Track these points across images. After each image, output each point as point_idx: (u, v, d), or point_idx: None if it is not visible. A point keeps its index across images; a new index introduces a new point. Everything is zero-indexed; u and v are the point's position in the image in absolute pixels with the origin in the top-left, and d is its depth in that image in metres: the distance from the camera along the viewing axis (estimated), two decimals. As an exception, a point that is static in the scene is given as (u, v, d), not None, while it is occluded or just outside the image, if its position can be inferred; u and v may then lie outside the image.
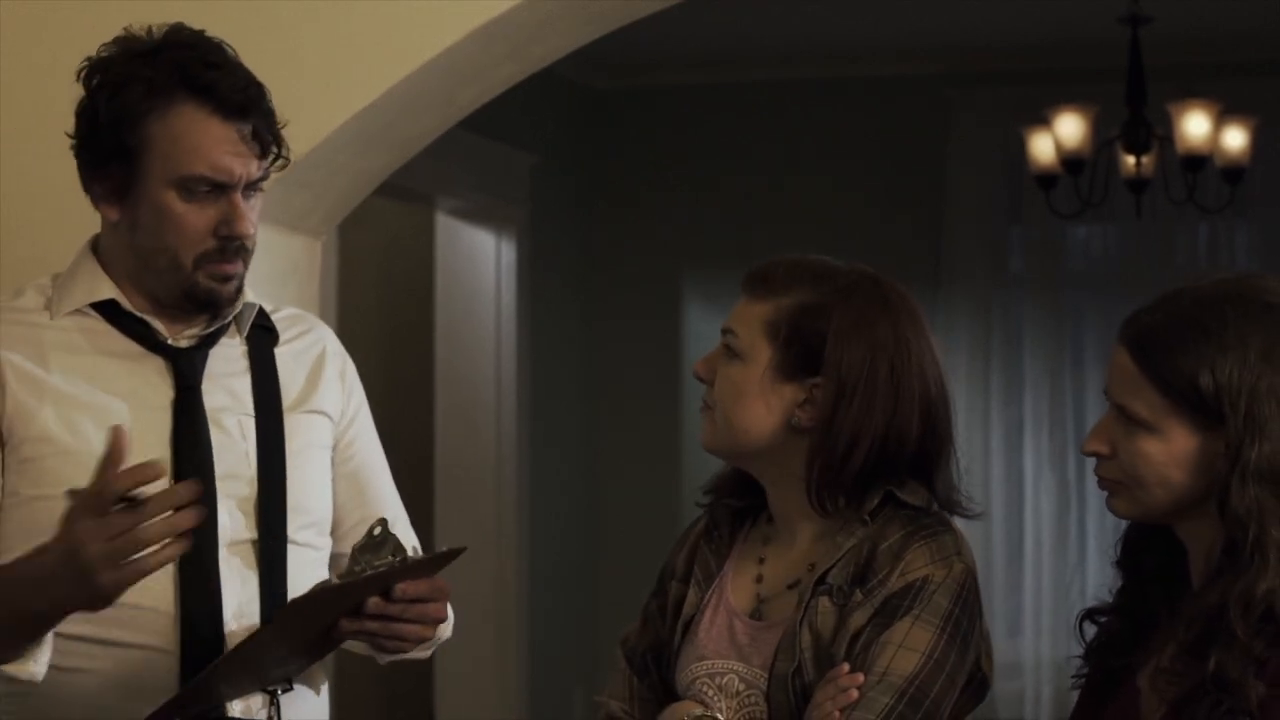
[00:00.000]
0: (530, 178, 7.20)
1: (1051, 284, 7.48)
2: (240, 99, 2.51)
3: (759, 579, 2.52)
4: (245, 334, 2.64)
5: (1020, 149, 6.70)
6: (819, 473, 2.45)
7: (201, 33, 2.57)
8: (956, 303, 7.40)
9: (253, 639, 2.42)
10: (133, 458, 2.23)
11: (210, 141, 2.50)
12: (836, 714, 2.34)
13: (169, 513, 2.23)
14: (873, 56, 7.42)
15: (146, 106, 2.50)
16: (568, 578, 7.53)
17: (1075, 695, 2.43)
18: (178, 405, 2.55)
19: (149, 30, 2.56)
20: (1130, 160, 6.44)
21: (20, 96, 3.21)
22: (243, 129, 2.52)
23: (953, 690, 2.40)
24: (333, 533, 2.69)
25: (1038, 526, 7.41)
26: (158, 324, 2.58)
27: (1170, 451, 2.24)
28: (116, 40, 2.57)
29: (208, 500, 2.47)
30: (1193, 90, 6.46)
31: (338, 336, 2.79)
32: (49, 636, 2.42)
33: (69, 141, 2.58)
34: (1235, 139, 6.46)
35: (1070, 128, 6.42)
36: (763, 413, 2.47)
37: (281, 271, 3.31)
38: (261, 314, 2.66)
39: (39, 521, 2.45)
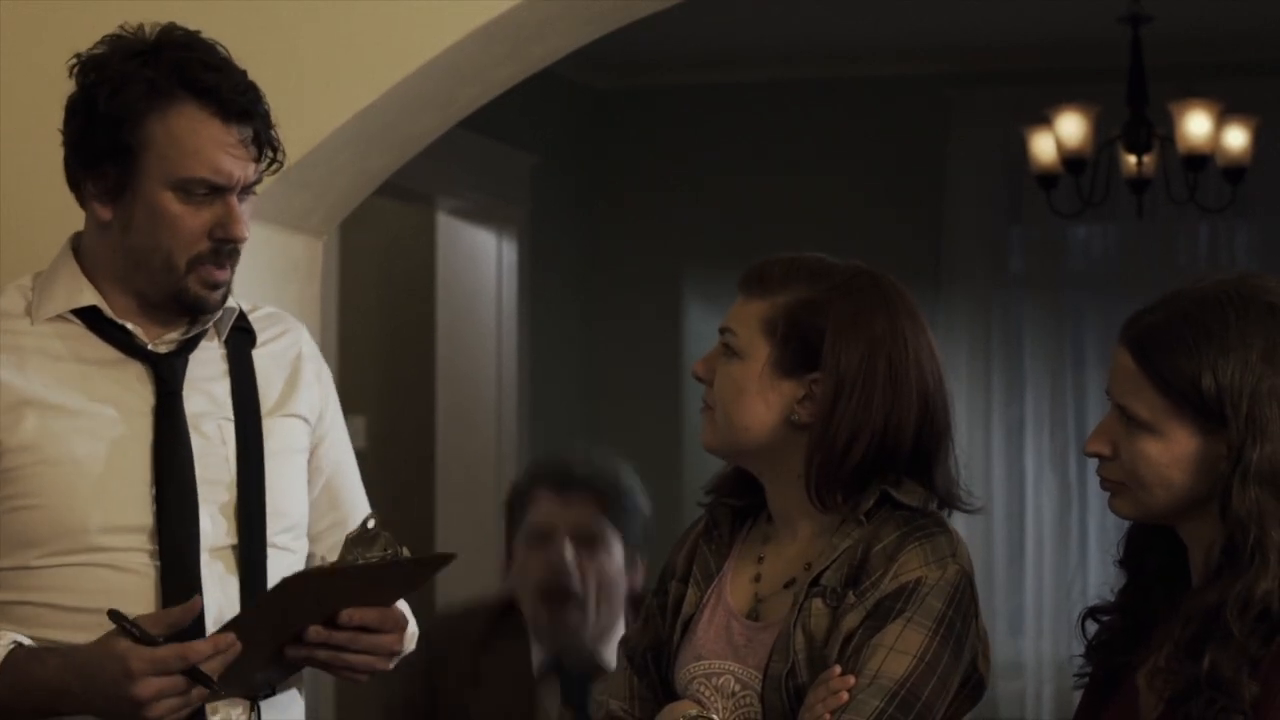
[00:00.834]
0: (530, 178, 7.20)
1: (1052, 284, 7.46)
2: (241, 102, 2.50)
3: (757, 579, 2.51)
4: (224, 338, 2.62)
5: (1021, 149, 6.69)
6: (818, 468, 2.45)
7: (197, 33, 2.56)
8: (956, 303, 7.39)
9: (238, 620, 2.41)
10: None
11: (211, 144, 2.49)
12: (827, 716, 2.34)
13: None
14: (873, 56, 7.41)
15: (146, 106, 2.48)
16: (568, 577, 7.51)
17: (1077, 695, 2.43)
18: (159, 411, 2.53)
19: (140, 28, 2.54)
20: (1131, 160, 6.43)
21: (20, 96, 3.20)
22: (243, 132, 2.50)
23: (945, 693, 2.39)
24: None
25: (1039, 526, 7.39)
26: (137, 329, 2.56)
27: (1171, 452, 2.24)
28: (108, 39, 2.54)
29: (189, 506, 2.47)
30: (1194, 90, 6.45)
31: (338, 337, 2.78)
32: None
33: (68, 141, 2.57)
34: (1236, 139, 6.45)
35: (1071, 127, 6.41)
36: (762, 410, 2.47)
37: (282, 271, 3.31)
38: (240, 316, 2.64)
39: (22, 531, 2.46)
